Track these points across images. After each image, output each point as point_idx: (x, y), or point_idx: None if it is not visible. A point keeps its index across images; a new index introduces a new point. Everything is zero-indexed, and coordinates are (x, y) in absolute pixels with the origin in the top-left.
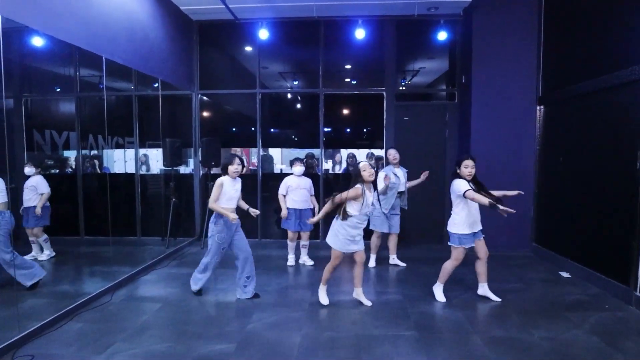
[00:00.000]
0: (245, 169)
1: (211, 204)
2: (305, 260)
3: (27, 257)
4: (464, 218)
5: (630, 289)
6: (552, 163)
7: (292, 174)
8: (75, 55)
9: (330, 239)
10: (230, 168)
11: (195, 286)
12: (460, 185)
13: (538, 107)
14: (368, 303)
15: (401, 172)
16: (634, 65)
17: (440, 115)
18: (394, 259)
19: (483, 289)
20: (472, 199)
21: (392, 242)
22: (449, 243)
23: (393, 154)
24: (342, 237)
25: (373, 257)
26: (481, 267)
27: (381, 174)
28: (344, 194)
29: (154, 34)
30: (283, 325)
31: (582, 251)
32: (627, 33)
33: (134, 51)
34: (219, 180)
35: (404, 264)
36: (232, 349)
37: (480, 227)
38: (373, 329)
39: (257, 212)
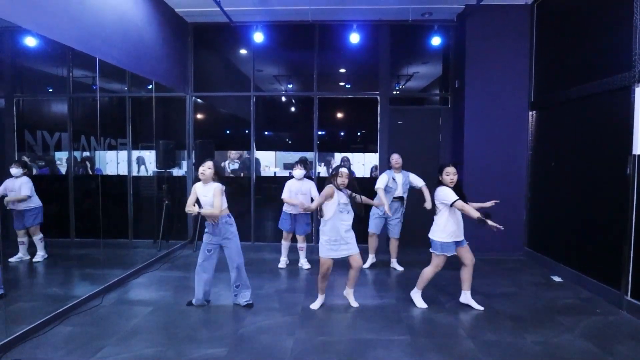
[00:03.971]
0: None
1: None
2: (303, 263)
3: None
4: (447, 226)
5: (621, 293)
6: (544, 167)
7: (291, 177)
8: (69, 56)
9: (319, 247)
10: (200, 170)
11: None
12: (447, 194)
13: (530, 112)
14: (355, 304)
15: (401, 177)
16: (624, 71)
17: (434, 120)
18: (393, 263)
19: (465, 297)
20: (462, 210)
21: (392, 246)
22: (430, 250)
23: (396, 158)
24: (323, 241)
25: (370, 257)
26: (466, 274)
27: (382, 177)
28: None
29: (149, 36)
30: (276, 329)
31: (574, 255)
32: (617, 40)
33: (128, 52)
34: (194, 185)
35: (401, 268)
36: (223, 353)
37: (462, 237)
38: (366, 333)
39: (196, 210)
